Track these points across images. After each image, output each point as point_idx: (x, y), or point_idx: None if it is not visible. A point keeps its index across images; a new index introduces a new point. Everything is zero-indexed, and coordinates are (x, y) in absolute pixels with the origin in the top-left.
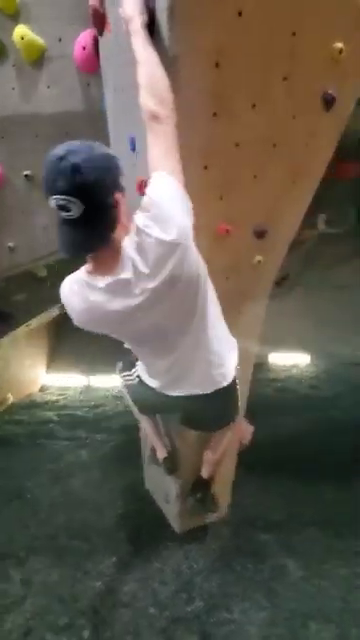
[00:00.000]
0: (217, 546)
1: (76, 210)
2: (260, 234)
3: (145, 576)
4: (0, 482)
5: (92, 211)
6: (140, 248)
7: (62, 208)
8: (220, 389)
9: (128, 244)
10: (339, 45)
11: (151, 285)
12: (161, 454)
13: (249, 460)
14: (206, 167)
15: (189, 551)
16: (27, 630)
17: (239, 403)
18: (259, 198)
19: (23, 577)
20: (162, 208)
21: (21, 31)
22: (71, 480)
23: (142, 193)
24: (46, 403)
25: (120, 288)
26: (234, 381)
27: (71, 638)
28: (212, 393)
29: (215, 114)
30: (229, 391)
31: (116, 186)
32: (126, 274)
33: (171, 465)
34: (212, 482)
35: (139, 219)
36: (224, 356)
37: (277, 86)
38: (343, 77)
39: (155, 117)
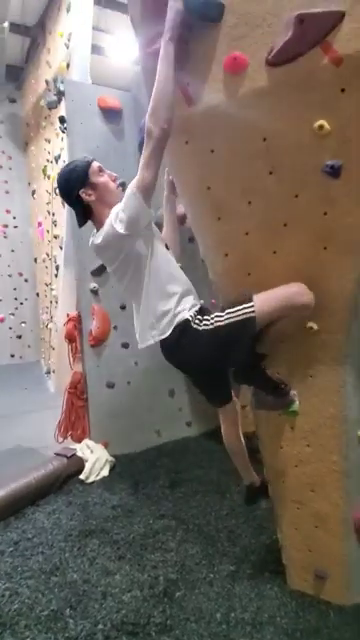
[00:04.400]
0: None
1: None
2: None
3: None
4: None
5: (69, 205)
6: (107, 222)
7: None
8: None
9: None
10: (319, 123)
11: (100, 244)
12: (245, 479)
13: None
14: (227, 254)
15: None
16: None
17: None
18: (286, 270)
19: None
20: (124, 207)
21: None
22: None
23: None
24: None
25: (94, 237)
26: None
27: None
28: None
29: (219, 218)
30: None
31: (80, 185)
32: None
33: (249, 498)
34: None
35: (115, 207)
36: (155, 319)
37: (265, 181)
38: (342, 145)
39: (148, 132)
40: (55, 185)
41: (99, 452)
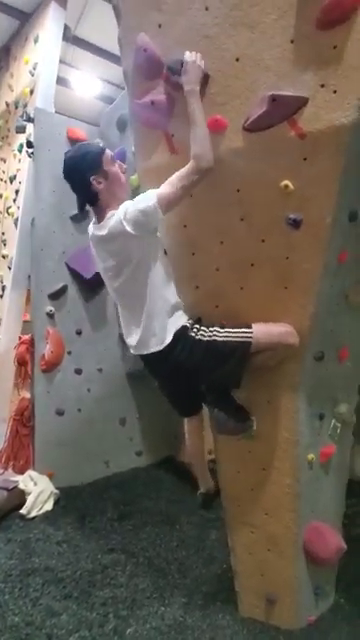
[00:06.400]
0: None
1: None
2: None
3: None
4: None
5: (74, 188)
6: (111, 216)
7: None
8: (157, 353)
9: (114, 210)
10: (284, 183)
11: (104, 237)
12: (202, 487)
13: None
14: (197, 287)
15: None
16: None
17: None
18: (251, 304)
19: None
20: (136, 204)
21: None
22: None
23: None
24: None
25: (95, 228)
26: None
27: None
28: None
29: (193, 253)
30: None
31: (91, 171)
32: (101, 223)
33: (204, 503)
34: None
35: (126, 202)
36: (158, 327)
37: (237, 226)
38: (303, 202)
39: (200, 168)
40: (9, 203)
41: (43, 484)
